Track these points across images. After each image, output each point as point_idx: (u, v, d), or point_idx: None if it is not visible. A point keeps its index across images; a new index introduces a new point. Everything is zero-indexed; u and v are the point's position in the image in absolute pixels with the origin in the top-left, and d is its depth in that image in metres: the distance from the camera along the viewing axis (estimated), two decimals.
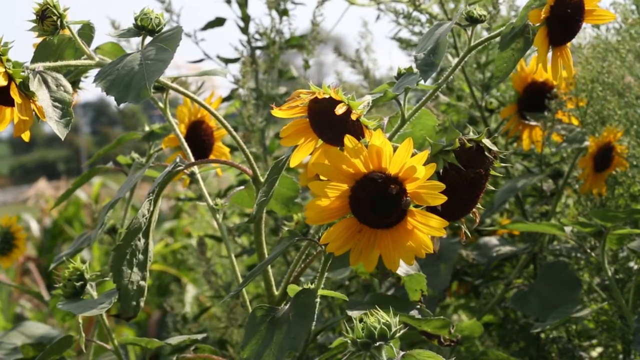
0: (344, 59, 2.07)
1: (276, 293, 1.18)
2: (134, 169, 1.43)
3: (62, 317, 1.66)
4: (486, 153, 0.98)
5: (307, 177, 1.51)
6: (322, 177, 0.92)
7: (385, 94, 1.05)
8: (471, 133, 0.99)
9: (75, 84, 1.26)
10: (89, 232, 1.47)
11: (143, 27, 1.09)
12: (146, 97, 0.97)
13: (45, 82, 1.01)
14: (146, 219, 1.14)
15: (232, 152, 1.66)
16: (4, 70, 0.99)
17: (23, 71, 1.00)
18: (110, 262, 1.13)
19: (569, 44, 1.09)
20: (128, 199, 1.55)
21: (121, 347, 1.31)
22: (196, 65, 2.12)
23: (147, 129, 1.54)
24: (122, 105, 0.99)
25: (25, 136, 1.04)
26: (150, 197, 1.13)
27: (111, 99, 1.01)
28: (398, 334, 0.90)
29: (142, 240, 1.14)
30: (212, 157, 1.46)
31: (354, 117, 0.97)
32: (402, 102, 1.06)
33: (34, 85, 0.99)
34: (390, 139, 1.06)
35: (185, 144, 1.31)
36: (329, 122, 1.00)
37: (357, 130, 0.99)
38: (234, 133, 1.19)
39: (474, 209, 1.00)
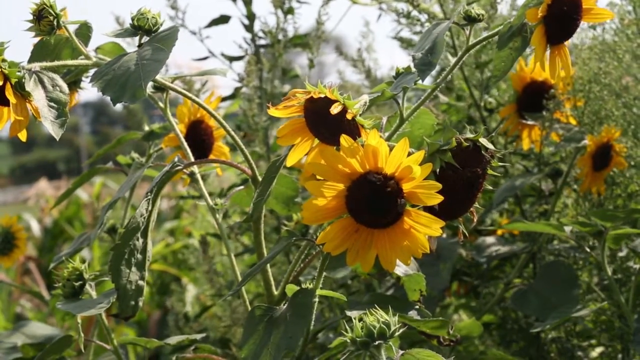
0: (345, 58, 2.07)
1: (275, 293, 1.18)
2: (133, 169, 1.42)
3: (62, 316, 1.66)
4: (483, 152, 0.97)
5: (304, 176, 1.51)
6: (318, 177, 0.91)
7: (383, 94, 1.04)
8: (468, 132, 0.99)
9: (76, 83, 1.26)
10: (88, 231, 1.47)
11: (140, 27, 1.09)
12: (141, 97, 0.97)
13: (41, 82, 1.01)
14: (144, 218, 1.14)
15: (233, 151, 1.66)
16: None
17: (19, 71, 1.00)
18: (108, 262, 1.13)
19: (567, 43, 1.09)
20: (128, 198, 1.56)
21: (121, 346, 1.31)
22: (199, 63, 2.12)
23: (146, 128, 1.54)
24: (120, 105, 0.99)
25: (22, 136, 1.03)
26: (149, 197, 1.13)
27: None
28: (397, 333, 0.89)
29: (141, 240, 1.14)
30: (212, 156, 1.46)
31: (349, 116, 0.97)
32: (400, 102, 1.06)
33: (30, 85, 0.99)
34: (389, 138, 1.06)
35: (185, 144, 1.31)
36: (325, 122, 1.00)
37: (353, 129, 0.98)
38: (232, 133, 1.19)
39: (471, 209, 1.00)
